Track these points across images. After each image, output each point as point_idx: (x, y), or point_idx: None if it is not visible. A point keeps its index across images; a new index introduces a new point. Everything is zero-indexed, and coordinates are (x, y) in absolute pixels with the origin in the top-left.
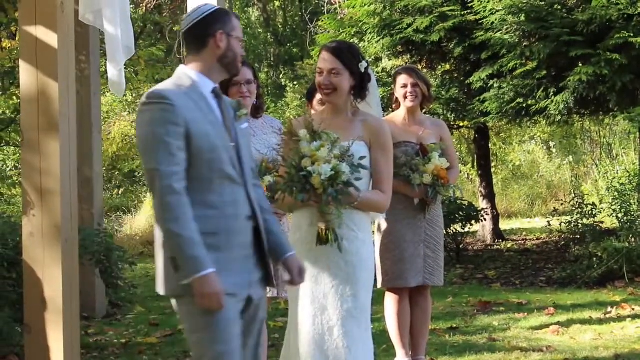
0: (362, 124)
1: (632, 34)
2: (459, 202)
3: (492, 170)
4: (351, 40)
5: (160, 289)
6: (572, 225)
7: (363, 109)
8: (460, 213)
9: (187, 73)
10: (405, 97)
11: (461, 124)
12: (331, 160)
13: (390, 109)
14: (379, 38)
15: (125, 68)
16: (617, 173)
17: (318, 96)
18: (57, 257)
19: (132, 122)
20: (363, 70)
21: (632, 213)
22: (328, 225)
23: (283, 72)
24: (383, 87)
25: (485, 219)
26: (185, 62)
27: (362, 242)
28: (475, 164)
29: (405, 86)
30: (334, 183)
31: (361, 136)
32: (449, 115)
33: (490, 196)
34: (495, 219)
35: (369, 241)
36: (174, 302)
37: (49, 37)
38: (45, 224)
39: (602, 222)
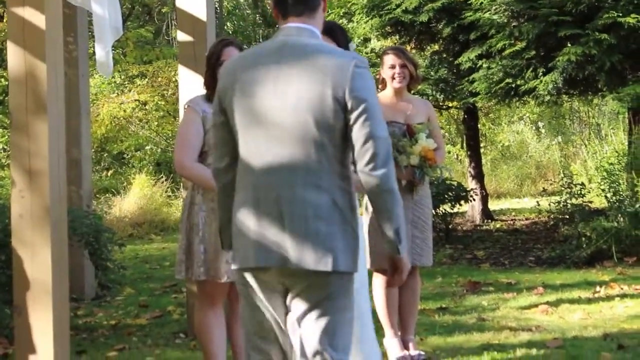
0: None
1: (620, 14)
2: (448, 182)
3: (481, 150)
4: (340, 21)
5: (337, 265)
6: (561, 205)
7: None
8: (450, 193)
9: (319, 35)
10: (393, 78)
11: (450, 105)
12: None
13: (377, 89)
14: (367, 18)
15: (113, 49)
16: (606, 153)
17: None
18: (46, 238)
19: (120, 103)
20: (352, 51)
21: (621, 193)
22: None
23: None
24: (372, 68)
25: (474, 199)
26: (290, 21)
27: None
28: (464, 144)
29: (393, 67)
30: None
31: None
32: (438, 96)
33: (479, 176)
34: (484, 199)
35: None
36: (333, 279)
37: (37, 19)
38: (34, 206)
39: (591, 202)
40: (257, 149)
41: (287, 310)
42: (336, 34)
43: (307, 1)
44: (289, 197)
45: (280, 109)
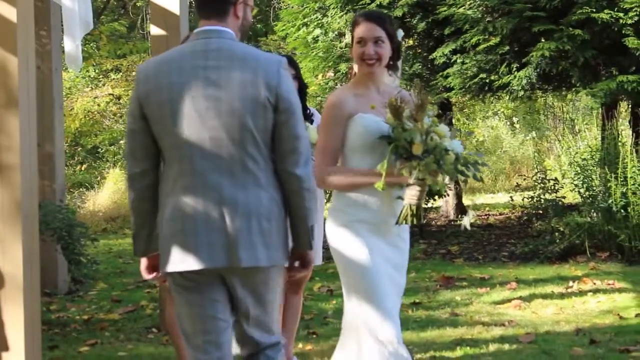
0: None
1: (594, 10)
2: None
3: None
4: (314, 16)
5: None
6: (535, 201)
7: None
8: None
9: (234, 37)
10: None
11: None
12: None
13: None
14: (342, 13)
15: (87, 43)
16: (580, 148)
17: None
18: (17, 233)
19: (94, 97)
20: (400, 39)
21: (594, 188)
22: (419, 202)
23: None
24: (347, 63)
25: (448, 194)
26: (204, 23)
27: None
28: None
29: None
30: (463, 159)
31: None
32: (412, 91)
33: None
34: (459, 194)
35: None
36: (272, 272)
37: (8, 12)
38: (4, 200)
39: (564, 197)
40: (193, 152)
41: (227, 304)
42: (385, 22)
43: (213, 6)
44: (230, 197)
45: (215, 113)
